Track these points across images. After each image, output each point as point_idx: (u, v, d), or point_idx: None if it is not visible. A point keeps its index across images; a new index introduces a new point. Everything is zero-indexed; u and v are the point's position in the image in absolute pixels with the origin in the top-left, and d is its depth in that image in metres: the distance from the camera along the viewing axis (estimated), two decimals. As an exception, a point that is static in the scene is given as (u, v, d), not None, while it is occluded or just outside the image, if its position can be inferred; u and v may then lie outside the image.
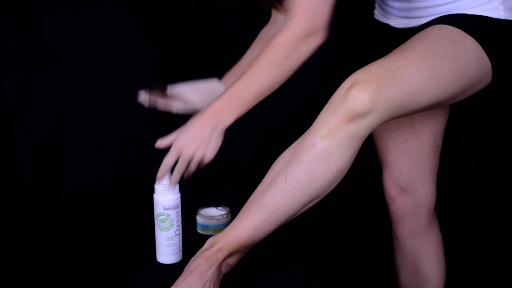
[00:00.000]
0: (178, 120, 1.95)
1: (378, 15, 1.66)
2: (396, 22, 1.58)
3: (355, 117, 1.25)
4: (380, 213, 1.88)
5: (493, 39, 1.44)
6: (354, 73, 1.29)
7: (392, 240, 1.81)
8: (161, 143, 1.43)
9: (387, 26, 1.61)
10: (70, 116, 1.89)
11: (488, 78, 1.44)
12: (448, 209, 2.02)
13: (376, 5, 1.66)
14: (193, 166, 1.38)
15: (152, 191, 1.49)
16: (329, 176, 1.28)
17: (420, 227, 1.74)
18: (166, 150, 1.92)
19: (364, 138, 1.28)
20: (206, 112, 1.38)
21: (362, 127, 1.26)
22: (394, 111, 1.29)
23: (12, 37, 1.82)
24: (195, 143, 1.37)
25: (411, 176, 1.69)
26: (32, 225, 1.88)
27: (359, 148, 1.29)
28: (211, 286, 1.28)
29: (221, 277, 1.32)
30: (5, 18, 1.81)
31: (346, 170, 1.30)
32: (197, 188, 1.96)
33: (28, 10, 1.82)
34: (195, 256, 1.32)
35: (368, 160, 1.78)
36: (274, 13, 1.61)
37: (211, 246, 1.32)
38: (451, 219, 2.03)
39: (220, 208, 1.68)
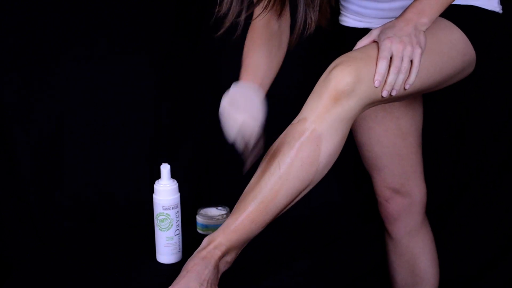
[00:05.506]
0: (178, 121, 1.96)
1: (349, 21, 1.64)
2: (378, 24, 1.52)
3: (339, 97, 1.25)
4: (373, 215, 1.88)
5: (482, 31, 1.44)
6: (337, 58, 1.30)
7: (386, 241, 1.81)
8: (361, 42, 1.34)
9: (364, 30, 1.59)
10: (70, 116, 1.89)
11: (471, 68, 1.45)
12: (442, 208, 2.02)
13: (347, 13, 1.65)
14: (406, 63, 1.28)
15: (152, 191, 1.49)
16: (322, 159, 1.29)
17: (415, 225, 1.75)
18: (169, 151, 1.94)
19: (351, 122, 1.29)
20: (404, 15, 1.33)
21: (348, 109, 1.27)
22: (376, 95, 1.29)
23: (12, 37, 1.82)
24: (404, 38, 1.29)
25: (404, 177, 1.70)
26: (32, 225, 1.88)
27: (347, 132, 1.30)
28: (209, 285, 1.27)
29: (219, 275, 1.31)
30: (5, 18, 1.81)
31: (337, 155, 1.31)
32: (197, 188, 1.96)
33: (28, 10, 1.82)
34: (192, 256, 1.31)
35: (361, 161, 1.79)
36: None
37: (208, 244, 1.31)
38: (446, 218, 2.03)
39: (220, 208, 1.68)
